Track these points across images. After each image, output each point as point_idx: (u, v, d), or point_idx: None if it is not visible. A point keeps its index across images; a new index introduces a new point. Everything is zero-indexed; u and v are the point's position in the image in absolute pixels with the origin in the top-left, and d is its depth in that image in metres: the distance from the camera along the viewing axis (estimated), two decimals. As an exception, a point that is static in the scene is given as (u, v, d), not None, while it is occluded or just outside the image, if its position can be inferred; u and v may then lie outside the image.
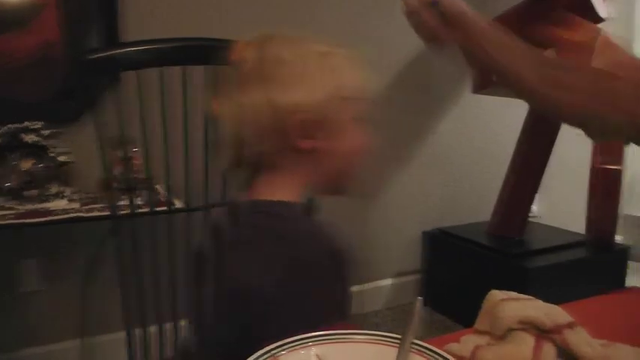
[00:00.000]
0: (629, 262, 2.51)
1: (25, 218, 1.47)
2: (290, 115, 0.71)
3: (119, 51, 0.99)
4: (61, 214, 1.49)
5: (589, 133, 0.84)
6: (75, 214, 1.50)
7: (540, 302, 0.56)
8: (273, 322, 0.65)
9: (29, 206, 1.55)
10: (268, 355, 0.42)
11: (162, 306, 1.07)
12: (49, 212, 1.51)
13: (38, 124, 1.59)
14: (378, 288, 2.53)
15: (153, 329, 1.10)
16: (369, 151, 0.79)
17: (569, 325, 0.53)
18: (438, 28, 0.86)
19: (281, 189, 0.75)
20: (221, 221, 0.80)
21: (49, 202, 1.58)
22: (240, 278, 0.70)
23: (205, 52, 0.97)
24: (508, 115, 2.65)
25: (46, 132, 1.59)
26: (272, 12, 2.11)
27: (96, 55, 0.95)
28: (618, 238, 2.58)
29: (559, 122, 2.38)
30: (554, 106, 0.83)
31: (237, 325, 0.70)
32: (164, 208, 1.21)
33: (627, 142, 0.98)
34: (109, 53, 0.97)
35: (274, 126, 0.71)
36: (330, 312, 0.64)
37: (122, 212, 1.02)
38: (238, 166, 0.78)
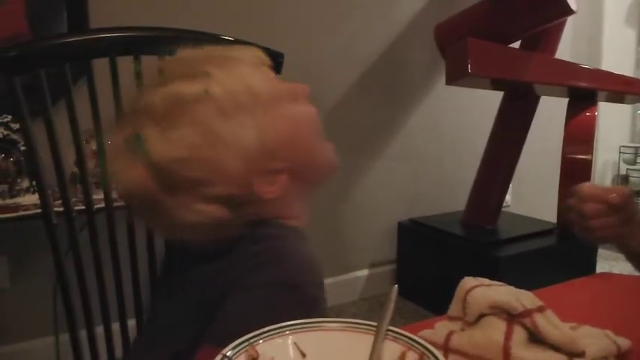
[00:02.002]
0: (599, 249, 2.57)
1: (-5, 213, 1.45)
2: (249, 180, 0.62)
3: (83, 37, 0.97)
4: (32, 209, 1.47)
5: None
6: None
7: (511, 288, 0.58)
8: None
9: (-1, 201, 1.53)
10: (246, 344, 0.43)
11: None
12: (19, 207, 1.49)
13: (7, 118, 1.56)
14: (354, 279, 2.55)
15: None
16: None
17: (539, 309, 0.55)
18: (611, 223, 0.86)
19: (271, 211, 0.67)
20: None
21: (19, 196, 1.56)
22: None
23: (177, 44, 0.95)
24: (480, 107, 2.69)
25: (16, 125, 1.56)
26: (239, 3, 2.10)
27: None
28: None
29: (532, 113, 2.43)
30: None
31: None
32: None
33: None
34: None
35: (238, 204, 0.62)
36: None
37: (97, 207, 1.01)
38: None
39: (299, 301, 0.59)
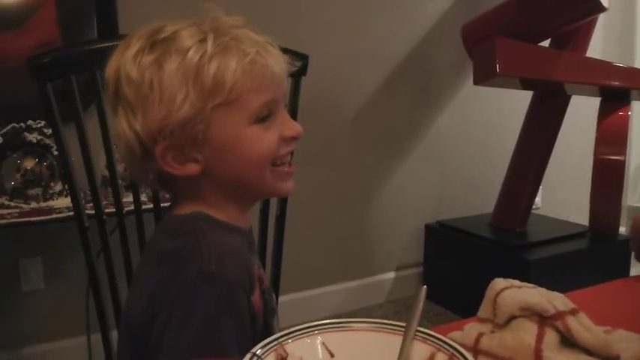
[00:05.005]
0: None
1: (29, 216, 1.48)
2: (152, 144, 0.61)
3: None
4: (65, 212, 1.50)
5: None
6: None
7: (543, 290, 0.57)
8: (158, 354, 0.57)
9: (33, 204, 1.56)
10: (276, 343, 0.43)
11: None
12: (52, 210, 1.52)
13: (41, 123, 1.60)
14: (381, 281, 2.54)
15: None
16: (278, 156, 0.65)
17: (572, 312, 0.53)
18: None
19: (191, 201, 0.66)
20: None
21: (52, 200, 1.59)
22: (127, 309, 0.65)
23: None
24: (507, 107, 2.66)
25: (49, 130, 1.60)
26: (266, 7, 2.11)
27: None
28: (622, 230, 2.58)
29: (563, 113, 2.38)
30: None
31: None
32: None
33: None
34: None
35: (142, 155, 0.62)
36: (216, 344, 0.54)
37: (127, 209, 1.03)
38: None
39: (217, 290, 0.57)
